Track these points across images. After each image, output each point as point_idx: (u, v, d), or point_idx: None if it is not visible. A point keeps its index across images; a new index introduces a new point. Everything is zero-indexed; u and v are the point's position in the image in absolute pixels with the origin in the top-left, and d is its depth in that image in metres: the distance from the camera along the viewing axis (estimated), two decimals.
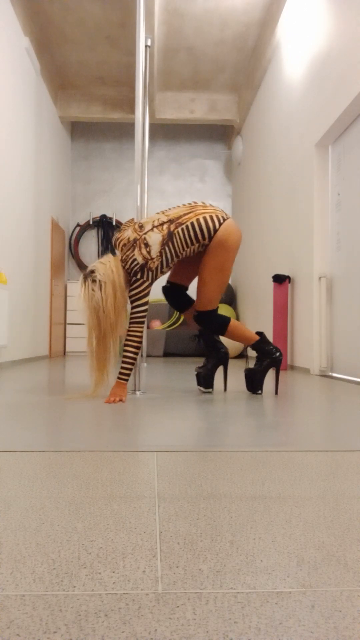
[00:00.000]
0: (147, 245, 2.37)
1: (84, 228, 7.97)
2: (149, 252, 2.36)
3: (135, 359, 2.41)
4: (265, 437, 1.54)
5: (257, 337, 2.57)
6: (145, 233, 2.40)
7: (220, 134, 8.24)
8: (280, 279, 4.81)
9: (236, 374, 4.13)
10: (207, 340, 2.70)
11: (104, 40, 5.86)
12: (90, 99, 7.03)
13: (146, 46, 5.10)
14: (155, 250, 2.37)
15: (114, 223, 7.99)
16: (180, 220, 2.40)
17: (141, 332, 2.41)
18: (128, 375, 2.41)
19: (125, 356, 2.41)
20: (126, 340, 2.41)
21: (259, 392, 2.64)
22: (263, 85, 6.04)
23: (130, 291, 2.40)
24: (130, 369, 2.41)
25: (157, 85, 6.78)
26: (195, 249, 2.47)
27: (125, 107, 7.04)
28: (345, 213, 3.95)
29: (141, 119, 2.95)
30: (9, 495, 0.98)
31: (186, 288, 2.73)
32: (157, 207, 8.18)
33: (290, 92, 5.01)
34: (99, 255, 8.02)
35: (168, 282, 2.73)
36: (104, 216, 7.97)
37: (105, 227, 7.97)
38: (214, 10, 5.31)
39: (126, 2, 5.17)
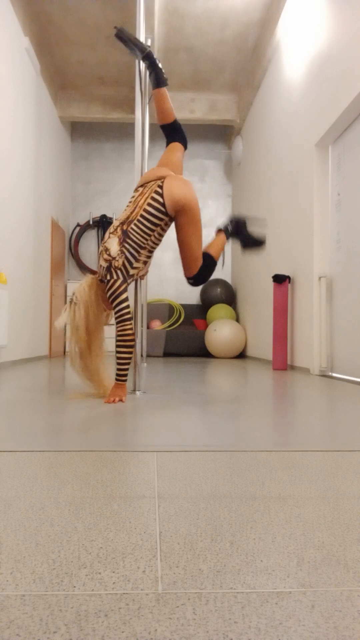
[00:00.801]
0: (107, 250, 2.44)
1: (84, 228, 7.97)
2: (109, 254, 2.42)
3: (129, 357, 2.41)
4: (265, 437, 1.54)
5: (225, 238, 2.67)
6: (105, 242, 2.50)
7: (220, 134, 8.24)
8: (280, 279, 4.81)
9: (239, 373, 4.13)
10: (232, 235, 2.74)
11: (104, 40, 5.86)
12: (90, 99, 7.03)
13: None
14: (114, 250, 2.42)
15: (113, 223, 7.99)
16: (129, 219, 2.47)
17: (130, 329, 2.40)
18: (125, 375, 2.42)
19: (119, 357, 2.42)
20: (117, 340, 2.44)
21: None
22: (263, 85, 6.04)
23: (107, 293, 2.43)
24: (126, 369, 2.41)
25: None
26: (162, 230, 2.49)
27: (125, 107, 7.04)
28: (345, 213, 3.95)
29: (141, 119, 2.95)
30: (9, 495, 0.98)
31: None
32: None
33: (290, 92, 5.01)
34: (99, 255, 8.03)
35: (190, 278, 2.76)
36: (104, 216, 7.97)
37: (105, 227, 7.97)
38: (214, 10, 5.31)
39: (126, 2, 5.17)
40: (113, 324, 7.53)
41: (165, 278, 8.09)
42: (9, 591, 0.61)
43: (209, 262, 2.55)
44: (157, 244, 2.52)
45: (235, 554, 0.72)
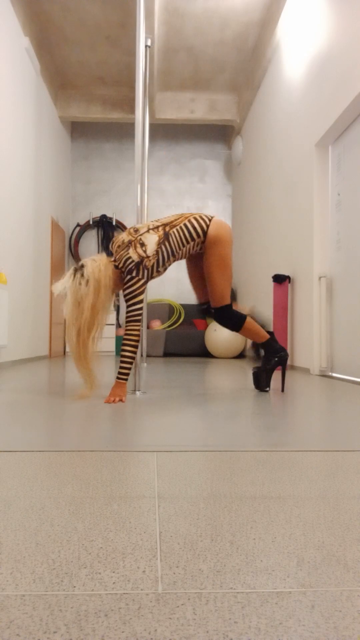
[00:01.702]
0: (142, 244, 2.42)
1: (84, 228, 7.97)
2: (144, 251, 2.40)
3: (133, 357, 2.41)
4: (265, 437, 1.54)
5: (268, 336, 2.68)
6: (140, 235, 2.46)
7: (220, 134, 8.24)
8: (280, 279, 4.81)
9: (239, 373, 4.12)
10: (266, 345, 2.74)
11: (104, 40, 5.86)
12: (90, 99, 7.03)
13: (146, 46, 5.10)
14: (151, 249, 2.42)
15: (114, 223, 7.99)
16: (173, 223, 2.52)
17: (138, 330, 2.41)
18: (127, 374, 2.41)
19: (123, 355, 2.41)
20: (124, 339, 2.42)
21: (267, 389, 2.74)
22: (263, 85, 6.04)
23: (125, 289, 2.41)
24: (129, 369, 2.41)
25: (157, 85, 6.78)
26: (191, 248, 2.53)
27: (125, 107, 7.04)
28: (345, 213, 3.95)
29: (141, 119, 2.95)
30: (9, 495, 0.98)
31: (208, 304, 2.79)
32: (157, 207, 8.18)
33: (290, 92, 5.01)
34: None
35: (202, 304, 2.77)
36: (104, 216, 7.97)
37: (105, 227, 7.97)
38: (214, 10, 5.32)
39: (126, 2, 5.17)
40: (111, 324, 7.54)
41: (166, 278, 8.09)
42: (9, 591, 0.61)
43: (239, 315, 2.59)
44: (179, 259, 2.56)
45: (235, 554, 0.72)
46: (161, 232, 2.46)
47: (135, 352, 2.42)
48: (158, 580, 0.64)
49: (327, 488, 1.04)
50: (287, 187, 5.11)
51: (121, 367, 2.42)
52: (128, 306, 2.40)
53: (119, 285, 2.51)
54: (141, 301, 2.40)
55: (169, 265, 2.56)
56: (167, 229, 2.48)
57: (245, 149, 7.07)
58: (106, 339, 7.53)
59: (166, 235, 2.46)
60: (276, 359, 2.68)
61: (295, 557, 0.71)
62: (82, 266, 2.37)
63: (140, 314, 2.41)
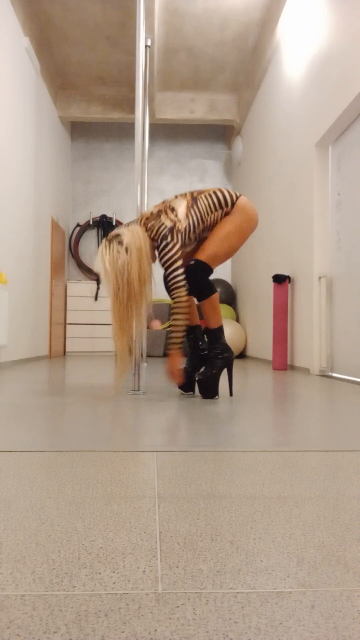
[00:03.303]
0: (173, 209, 2.39)
1: (84, 228, 7.97)
2: (176, 215, 2.38)
3: (185, 326, 2.34)
4: (265, 437, 1.54)
5: (222, 324, 2.52)
6: (169, 201, 2.45)
7: (220, 134, 8.24)
8: (280, 279, 4.81)
9: (239, 373, 4.13)
10: (191, 340, 2.63)
11: (104, 40, 5.86)
12: (90, 99, 7.03)
13: (146, 46, 5.10)
14: (182, 212, 2.39)
15: (114, 223, 7.99)
16: (200, 191, 2.51)
17: (185, 296, 2.33)
18: (180, 343, 2.36)
19: (174, 325, 2.33)
20: (172, 308, 2.35)
21: (216, 397, 2.49)
22: (263, 85, 6.04)
23: (162, 258, 2.34)
24: (182, 337, 2.35)
25: (157, 85, 6.78)
26: (218, 217, 2.48)
27: (125, 107, 7.04)
28: (345, 213, 3.95)
29: (141, 119, 2.95)
30: (9, 495, 0.98)
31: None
32: None
33: (290, 92, 5.01)
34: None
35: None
36: (104, 216, 7.97)
37: (105, 227, 7.97)
38: (214, 10, 5.31)
39: (126, 2, 5.17)
40: (108, 324, 7.54)
41: None
42: (9, 591, 0.61)
43: (210, 285, 2.45)
44: (206, 229, 2.47)
45: (235, 554, 0.72)
46: (189, 197, 2.45)
47: (186, 319, 2.34)
48: (158, 580, 0.64)
49: (327, 488, 1.04)
50: (287, 187, 5.11)
51: (173, 337, 2.34)
52: (169, 274, 2.32)
53: (154, 257, 2.46)
54: (181, 266, 2.33)
55: (198, 234, 2.47)
56: (195, 194, 2.47)
57: (245, 149, 7.07)
58: (105, 339, 7.53)
59: (194, 200, 2.44)
60: (220, 360, 2.45)
61: (295, 557, 0.71)
62: (118, 235, 2.30)
63: (183, 279, 2.33)
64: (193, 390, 2.65)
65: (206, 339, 2.55)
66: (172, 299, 2.35)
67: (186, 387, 2.62)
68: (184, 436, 1.55)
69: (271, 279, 5.65)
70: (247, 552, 0.73)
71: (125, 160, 8.12)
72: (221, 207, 2.47)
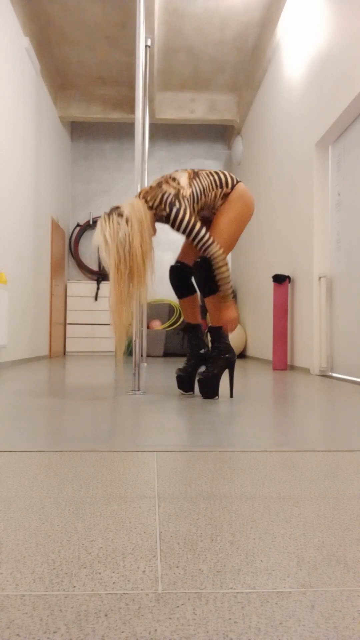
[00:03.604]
0: (174, 179, 2.36)
1: (84, 228, 7.97)
2: (178, 184, 2.34)
3: (229, 275, 2.35)
4: (265, 437, 1.54)
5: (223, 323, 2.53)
6: (169, 174, 2.41)
7: (220, 134, 8.24)
8: (280, 279, 4.81)
9: (238, 373, 4.12)
10: (191, 339, 2.60)
11: (104, 40, 5.86)
12: (90, 99, 7.03)
13: (146, 46, 5.10)
14: (184, 181, 2.36)
15: None
16: (200, 169, 2.48)
17: (220, 247, 2.32)
18: (232, 293, 2.38)
19: (223, 277, 2.33)
20: (214, 261, 2.32)
21: (216, 397, 2.49)
22: (263, 85, 6.04)
23: (179, 226, 2.28)
24: (231, 286, 2.37)
25: (157, 85, 6.78)
26: (217, 197, 2.46)
27: (125, 107, 7.04)
28: (345, 213, 3.95)
29: (141, 119, 2.95)
30: (9, 495, 0.98)
31: (189, 271, 2.62)
32: None
33: (290, 92, 5.01)
34: (99, 255, 8.02)
35: (177, 262, 2.63)
36: None
37: None
38: (214, 10, 5.31)
39: (126, 2, 5.17)
40: (108, 324, 7.53)
41: (165, 278, 8.09)
42: (9, 591, 0.61)
43: (210, 268, 2.45)
44: (207, 206, 2.45)
45: (235, 554, 0.72)
46: (190, 170, 2.43)
47: (228, 269, 2.35)
48: (158, 580, 0.64)
49: (327, 488, 1.04)
50: (287, 187, 5.11)
51: (225, 288, 2.35)
52: (194, 238, 2.28)
53: (154, 229, 2.41)
54: (202, 226, 2.29)
55: (198, 210, 2.43)
56: (196, 170, 2.46)
57: (245, 149, 7.07)
58: (106, 339, 7.53)
59: (195, 174, 2.42)
60: (222, 360, 2.45)
61: (295, 557, 0.71)
62: (117, 207, 2.26)
63: (210, 236, 2.30)
64: (193, 390, 2.65)
65: (209, 337, 2.54)
66: (212, 254, 2.31)
67: (186, 386, 2.61)
68: (184, 436, 1.55)
69: (271, 279, 5.65)
70: (247, 552, 0.73)
71: (125, 160, 8.12)
72: (221, 187, 2.45)
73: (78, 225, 7.98)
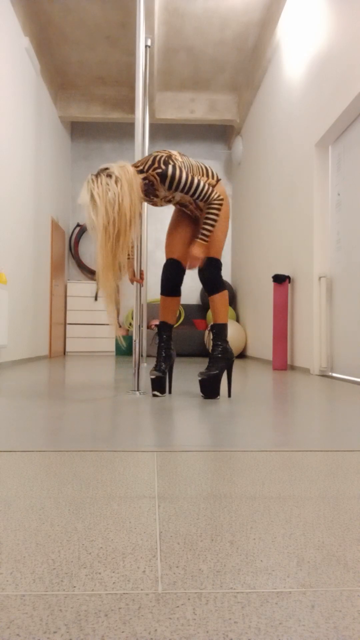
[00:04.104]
0: (164, 150, 2.36)
1: (84, 228, 7.97)
2: (168, 154, 2.33)
3: (214, 225, 2.40)
4: (265, 437, 1.54)
5: (227, 322, 2.55)
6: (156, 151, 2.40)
7: (220, 134, 8.24)
8: (280, 279, 4.81)
9: (238, 373, 4.12)
10: (168, 338, 2.59)
11: (104, 40, 5.86)
12: (90, 99, 7.03)
13: (146, 46, 5.10)
14: (175, 152, 2.36)
15: None
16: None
17: (221, 196, 2.35)
18: (209, 237, 2.41)
19: (210, 218, 2.34)
20: (215, 204, 2.33)
21: (218, 397, 2.50)
22: (263, 85, 6.04)
23: (178, 183, 2.26)
24: (212, 232, 2.40)
25: (157, 85, 6.78)
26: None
27: (125, 107, 7.04)
28: (345, 213, 3.95)
29: (141, 119, 2.95)
30: (9, 495, 0.98)
31: (184, 271, 2.63)
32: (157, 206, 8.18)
33: (290, 92, 5.01)
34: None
35: (169, 259, 2.62)
36: None
37: None
38: (214, 10, 5.31)
39: (126, 2, 5.17)
40: (108, 324, 7.53)
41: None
42: (9, 591, 0.61)
43: (222, 280, 2.54)
44: (193, 188, 2.41)
45: (235, 554, 0.72)
46: (175, 152, 2.42)
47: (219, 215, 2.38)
48: (158, 580, 0.64)
49: (327, 488, 1.04)
50: (287, 187, 5.11)
51: (210, 230, 2.37)
52: (194, 190, 2.28)
53: (144, 195, 2.37)
54: (200, 179, 2.29)
55: (189, 185, 2.36)
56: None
57: (245, 149, 7.07)
58: (105, 339, 7.53)
59: (182, 154, 2.43)
60: (223, 360, 2.47)
61: (295, 557, 0.71)
62: (106, 169, 2.22)
63: (202, 180, 2.31)
64: (170, 391, 2.66)
65: (211, 335, 2.56)
66: (211, 203, 2.33)
67: (163, 388, 2.56)
68: (184, 436, 1.55)
69: (271, 279, 5.65)
70: (247, 552, 0.73)
71: (125, 160, 8.11)
72: (207, 175, 2.49)
73: (78, 225, 7.98)
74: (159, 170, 2.27)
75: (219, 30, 5.66)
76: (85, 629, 0.53)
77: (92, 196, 2.15)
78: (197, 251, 2.38)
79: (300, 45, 4.68)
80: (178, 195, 2.44)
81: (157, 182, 2.32)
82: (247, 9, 5.30)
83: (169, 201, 2.48)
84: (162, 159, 2.29)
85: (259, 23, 5.52)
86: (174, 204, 2.56)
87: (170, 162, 2.28)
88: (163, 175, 2.27)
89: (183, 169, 2.29)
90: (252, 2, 5.18)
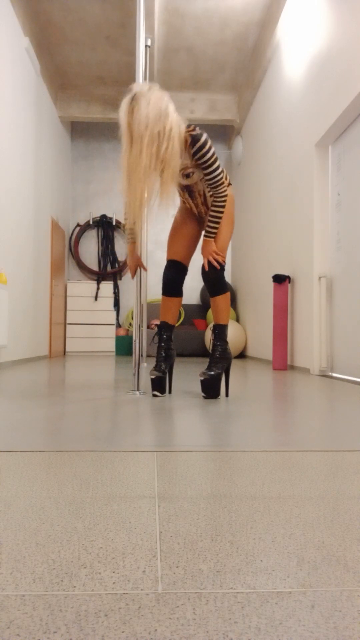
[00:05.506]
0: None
1: (84, 228, 7.97)
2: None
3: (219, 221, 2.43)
4: (265, 437, 1.54)
5: (227, 322, 2.58)
6: None
7: (220, 134, 8.24)
8: (280, 279, 4.81)
9: (238, 372, 4.12)
10: (168, 339, 2.60)
11: (104, 40, 5.86)
12: (90, 99, 7.03)
13: (146, 46, 5.10)
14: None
15: (113, 223, 7.99)
16: None
17: (225, 191, 2.37)
18: (215, 233, 2.45)
19: (215, 215, 2.39)
20: (222, 199, 2.36)
21: (218, 397, 2.51)
22: (263, 85, 6.04)
23: (207, 151, 2.24)
24: (217, 227, 2.44)
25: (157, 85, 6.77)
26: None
27: None
28: (345, 213, 3.95)
29: None
30: (9, 495, 0.98)
31: (185, 272, 2.64)
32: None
33: (290, 92, 5.00)
34: (99, 255, 8.02)
35: (170, 260, 2.63)
36: (104, 216, 7.97)
37: (105, 227, 7.97)
38: (214, 10, 5.31)
39: (126, 2, 5.17)
40: (111, 324, 7.53)
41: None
42: (9, 591, 0.61)
43: (225, 282, 2.56)
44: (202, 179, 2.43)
45: (235, 554, 0.72)
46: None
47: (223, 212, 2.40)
48: (158, 580, 0.64)
49: (327, 488, 1.04)
50: (287, 187, 5.11)
51: (217, 225, 2.42)
52: (213, 170, 2.28)
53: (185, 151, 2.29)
54: (219, 163, 2.29)
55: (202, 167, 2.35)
56: None
57: (245, 149, 7.07)
58: (106, 339, 7.53)
59: None
60: (223, 360, 2.50)
61: (295, 557, 0.71)
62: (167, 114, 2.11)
63: (224, 176, 2.35)
64: (170, 391, 2.66)
65: (212, 335, 2.58)
66: (217, 194, 2.35)
67: (163, 388, 2.56)
68: (184, 436, 1.55)
69: (271, 279, 5.65)
70: (247, 552, 0.73)
71: None
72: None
73: (78, 225, 7.97)
74: (194, 133, 2.23)
75: (219, 30, 5.66)
76: (85, 629, 0.53)
77: (147, 112, 2.02)
78: (212, 246, 2.44)
79: (300, 45, 4.68)
80: (196, 175, 2.37)
81: (187, 144, 2.26)
82: (247, 9, 5.30)
83: (186, 176, 2.38)
84: (198, 127, 2.28)
85: (259, 23, 5.52)
86: (183, 192, 2.54)
87: (202, 132, 2.27)
88: (196, 138, 2.23)
89: (212, 146, 2.30)
90: (252, 2, 5.18)
